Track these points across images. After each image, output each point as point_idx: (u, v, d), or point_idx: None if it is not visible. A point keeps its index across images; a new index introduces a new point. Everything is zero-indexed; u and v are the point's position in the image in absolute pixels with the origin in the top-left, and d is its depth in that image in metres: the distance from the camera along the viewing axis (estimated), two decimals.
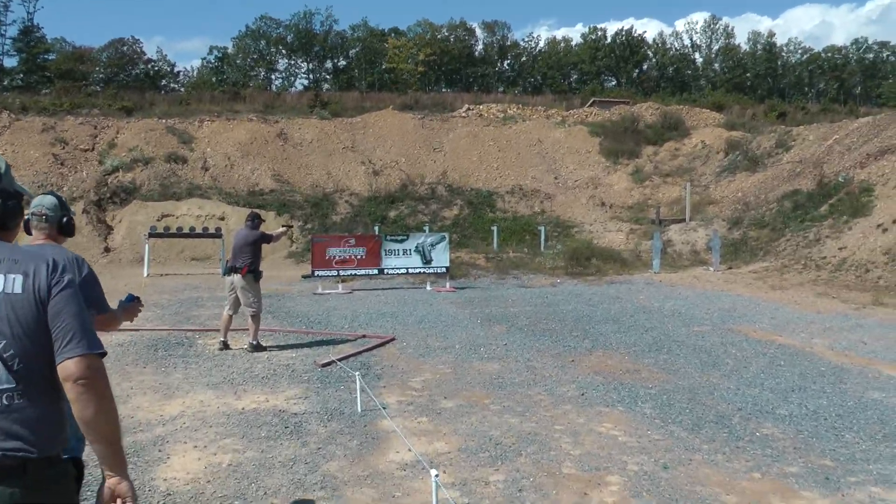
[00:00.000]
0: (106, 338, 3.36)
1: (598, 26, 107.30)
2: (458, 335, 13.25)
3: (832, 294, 18.97)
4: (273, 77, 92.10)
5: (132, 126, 36.76)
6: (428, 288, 20.61)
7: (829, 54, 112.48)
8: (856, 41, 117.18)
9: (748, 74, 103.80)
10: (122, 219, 29.83)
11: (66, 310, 2.65)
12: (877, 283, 19.90)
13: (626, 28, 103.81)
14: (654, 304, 17.53)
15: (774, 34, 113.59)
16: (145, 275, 23.69)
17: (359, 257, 20.51)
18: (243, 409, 8.31)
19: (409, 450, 6.80)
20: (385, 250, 20.86)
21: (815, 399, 8.91)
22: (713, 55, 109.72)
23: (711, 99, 63.93)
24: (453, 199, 34.72)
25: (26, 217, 4.23)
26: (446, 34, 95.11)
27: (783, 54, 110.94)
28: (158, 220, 28.31)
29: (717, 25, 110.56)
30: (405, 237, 21.65)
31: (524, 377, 9.96)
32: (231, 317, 11.95)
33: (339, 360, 10.62)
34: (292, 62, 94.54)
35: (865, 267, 21.22)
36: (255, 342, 11.66)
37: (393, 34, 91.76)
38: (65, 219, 4.48)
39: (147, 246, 25.13)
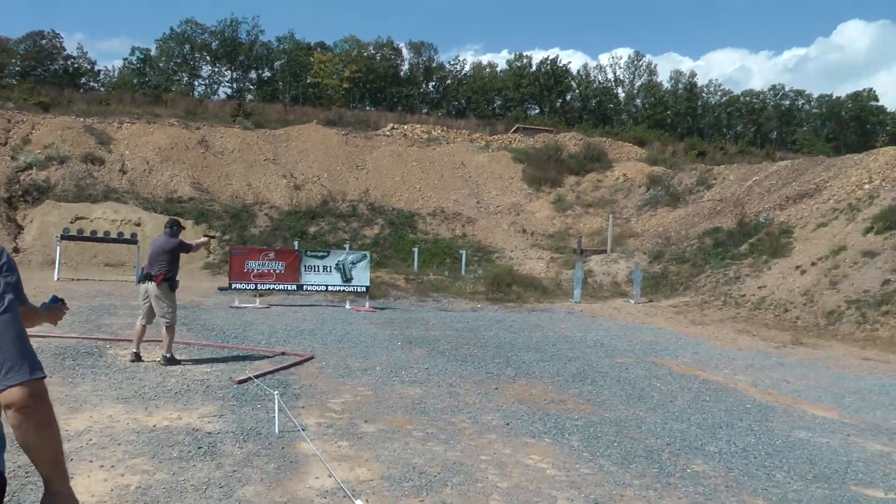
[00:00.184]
0: None
1: (524, 54, 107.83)
2: (378, 357, 12.92)
3: (752, 332, 19.16)
4: (196, 83, 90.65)
5: (48, 122, 35.51)
6: (347, 307, 20.22)
7: (748, 98, 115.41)
8: (773, 87, 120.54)
9: (669, 112, 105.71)
10: (33, 218, 28.66)
11: (4, 335, 2.55)
12: (795, 323, 20.16)
13: (551, 58, 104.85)
14: (577, 334, 17.44)
15: (696, 74, 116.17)
16: (56, 279, 22.76)
17: (278, 272, 20.02)
18: (154, 426, 7.83)
19: (330, 476, 6.47)
20: (305, 266, 20.40)
21: (744, 437, 8.85)
22: (635, 91, 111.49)
23: (633, 133, 64.76)
24: (375, 217, 34.34)
25: None
26: (373, 52, 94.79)
27: (703, 95, 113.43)
28: (72, 223, 27.30)
29: (641, 62, 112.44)
30: (326, 254, 21.21)
31: (447, 403, 9.68)
32: (144, 327, 11.40)
33: (256, 376, 10.21)
34: (216, 69, 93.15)
35: (784, 307, 21.48)
36: (168, 355, 11.13)
37: (319, 49, 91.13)
38: None
39: (59, 248, 24.16)
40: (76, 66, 77.90)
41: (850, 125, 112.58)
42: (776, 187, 31.38)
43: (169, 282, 11.21)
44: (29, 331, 2.73)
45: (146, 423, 7.94)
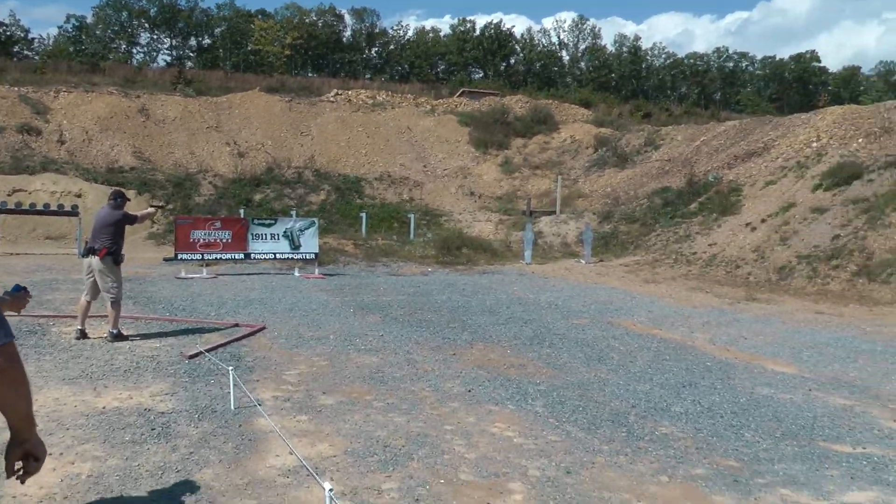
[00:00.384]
0: None
1: (468, 18, 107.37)
2: (331, 325, 12.63)
3: (705, 289, 19.20)
4: (134, 51, 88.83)
5: None
6: (296, 274, 19.86)
7: (692, 60, 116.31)
8: (717, 50, 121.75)
9: (613, 75, 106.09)
10: None
11: None
12: (747, 279, 20.26)
13: (494, 22, 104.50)
14: (530, 296, 17.28)
15: (640, 38, 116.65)
16: None
17: (224, 241, 19.55)
18: (104, 408, 7.39)
19: (291, 453, 6.19)
20: (252, 234, 19.95)
21: (708, 396, 8.76)
22: (580, 54, 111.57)
23: (579, 96, 64.73)
24: (320, 184, 33.83)
25: None
26: (314, 18, 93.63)
27: (647, 58, 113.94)
28: (9, 195, 26.40)
29: (585, 26, 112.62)
30: (273, 221, 20.78)
31: (406, 371, 9.44)
32: (89, 303, 10.90)
33: (208, 350, 9.85)
34: (155, 37, 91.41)
35: (735, 263, 21.57)
36: (115, 331, 10.65)
37: (260, 16, 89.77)
38: None
39: None
40: (9, 34, 75.73)
41: (793, 86, 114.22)
42: (724, 147, 31.49)
43: (113, 255, 10.72)
44: None
45: (95, 404, 7.51)
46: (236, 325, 12.25)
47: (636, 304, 16.47)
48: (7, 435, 3.23)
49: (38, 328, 11.51)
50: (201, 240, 19.26)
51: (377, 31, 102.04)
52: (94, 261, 10.65)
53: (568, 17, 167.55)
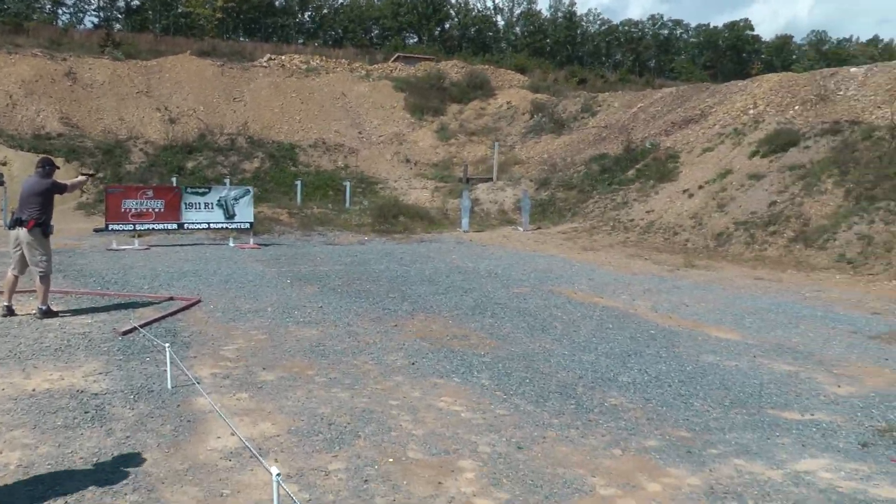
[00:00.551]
0: None
1: None
2: (268, 296, 12.34)
3: (643, 256, 19.28)
4: (59, 12, 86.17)
5: None
6: (231, 244, 19.42)
7: (627, 27, 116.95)
8: (651, 17, 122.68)
9: (548, 40, 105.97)
10: None
11: None
12: (685, 246, 20.38)
13: None
14: (469, 265, 17.14)
15: (575, 3, 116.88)
16: None
17: (157, 210, 19.01)
18: (34, 390, 7.01)
19: (233, 434, 5.95)
20: (185, 203, 19.42)
21: (654, 364, 8.75)
22: (514, 19, 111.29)
23: (515, 61, 64.48)
24: (254, 151, 33.13)
25: None
26: None
27: (582, 24, 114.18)
28: None
29: None
30: (207, 190, 20.25)
31: (347, 344, 9.23)
32: (16, 278, 10.39)
33: (142, 326, 9.51)
34: None
35: (673, 230, 21.68)
36: (44, 307, 10.17)
37: None
38: None
39: None
40: None
41: (727, 54, 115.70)
42: (661, 114, 31.56)
43: (42, 227, 10.19)
44: None
45: (24, 387, 7.11)
46: (171, 298, 11.88)
47: (576, 272, 16.42)
48: None
49: None
50: (133, 209, 18.71)
51: None
52: (22, 232, 10.14)
53: None
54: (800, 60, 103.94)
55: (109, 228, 18.61)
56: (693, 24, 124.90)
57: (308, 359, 8.46)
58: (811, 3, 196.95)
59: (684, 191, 23.71)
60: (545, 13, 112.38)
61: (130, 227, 18.73)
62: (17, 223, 10.21)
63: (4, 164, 26.29)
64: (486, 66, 51.47)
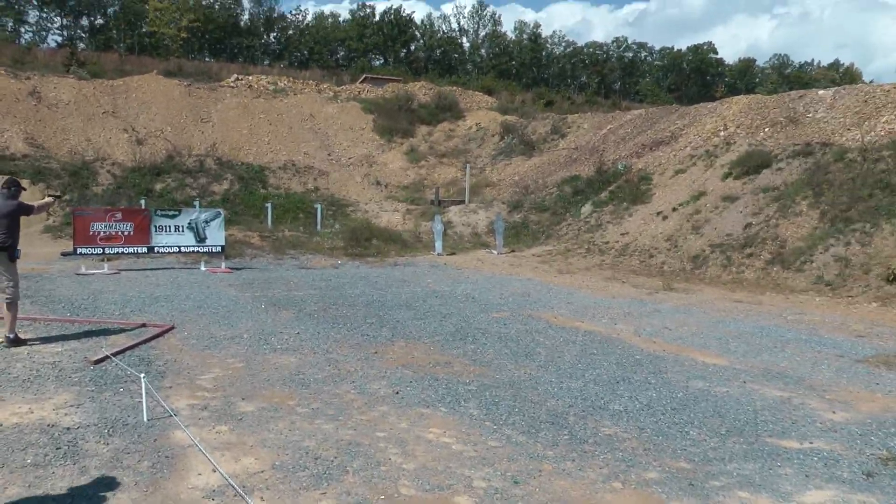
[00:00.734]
0: None
1: (367, 3, 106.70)
2: (243, 323, 12.01)
3: (621, 278, 19.13)
4: (23, 30, 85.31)
5: None
6: (202, 268, 19.06)
7: (591, 49, 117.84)
8: (616, 39, 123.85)
9: (514, 62, 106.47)
10: None
11: None
12: (661, 268, 20.27)
13: (394, 7, 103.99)
14: (445, 289, 16.91)
15: (540, 25, 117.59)
16: None
17: (126, 233, 18.61)
18: (1, 424, 6.62)
19: (215, 470, 5.64)
20: (155, 226, 19.05)
21: (644, 391, 8.52)
22: (480, 41, 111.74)
23: (481, 83, 64.55)
24: (223, 173, 32.77)
25: None
26: (211, 1, 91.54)
27: (548, 45, 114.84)
28: None
29: (485, 12, 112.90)
30: (177, 213, 19.86)
31: (327, 372, 8.92)
32: None
33: (114, 354, 9.15)
34: (44, 15, 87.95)
35: (649, 252, 21.58)
36: (12, 335, 9.71)
37: None
38: None
39: None
40: None
41: (691, 77, 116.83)
42: (631, 136, 31.60)
43: (8, 251, 9.78)
44: None
45: None
46: (143, 325, 11.51)
47: (554, 296, 16.23)
48: None
49: None
50: (102, 232, 18.31)
51: (275, 15, 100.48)
52: None
53: (468, 2, 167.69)
54: (763, 83, 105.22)
55: (78, 252, 18.20)
56: (657, 48, 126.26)
57: (288, 388, 8.16)
58: (771, 28, 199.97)
59: (658, 213, 23.65)
60: (510, 35, 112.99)
61: (99, 250, 18.33)
62: None
63: None
64: (454, 88, 51.50)
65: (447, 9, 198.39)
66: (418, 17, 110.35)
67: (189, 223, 19.42)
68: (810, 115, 24.99)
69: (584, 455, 6.38)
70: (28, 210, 10.21)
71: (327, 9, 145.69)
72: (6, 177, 12.96)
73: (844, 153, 21.37)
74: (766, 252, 19.16)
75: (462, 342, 11.05)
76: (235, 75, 47.14)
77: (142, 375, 7.08)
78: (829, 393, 8.70)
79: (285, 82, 46.89)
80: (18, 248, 10.04)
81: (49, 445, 6.13)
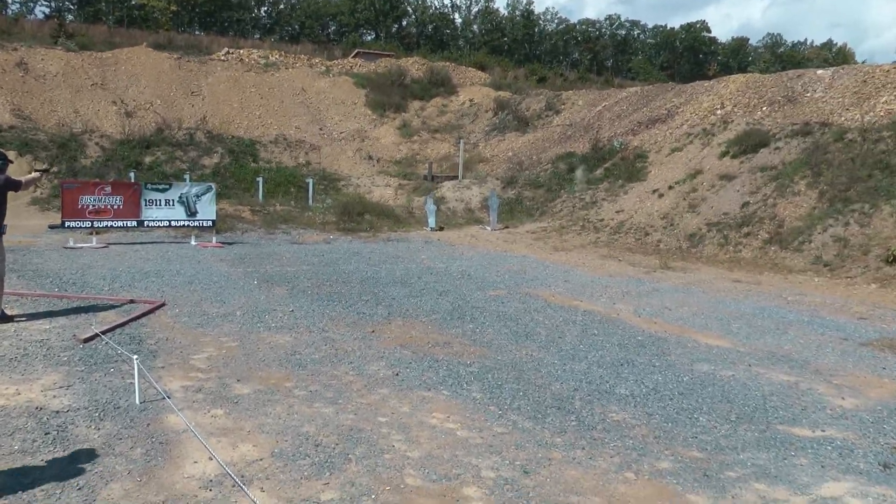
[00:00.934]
0: None
1: None
2: (236, 299, 11.74)
3: (617, 256, 18.94)
4: (9, 1, 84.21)
5: None
6: (193, 243, 18.74)
7: (584, 26, 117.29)
8: (609, 17, 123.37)
9: (506, 39, 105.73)
10: None
11: None
12: (657, 247, 20.08)
13: None
14: (440, 265, 16.67)
15: (533, 1, 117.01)
16: None
17: (115, 207, 18.28)
18: None
19: (211, 458, 5.40)
20: (145, 200, 18.71)
21: (649, 375, 8.34)
22: (472, 17, 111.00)
23: (474, 59, 64.01)
24: (213, 146, 32.30)
25: None
26: None
27: (540, 22, 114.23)
28: None
29: None
30: (168, 186, 19.51)
31: (324, 352, 8.69)
32: None
33: (104, 332, 8.88)
34: None
35: (645, 230, 21.37)
36: None
37: None
38: None
39: None
40: None
41: (684, 55, 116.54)
42: (626, 113, 31.31)
43: None
44: None
45: None
46: (132, 301, 11.23)
47: (550, 274, 16.00)
48: None
49: None
50: (90, 206, 17.98)
51: None
52: None
53: None
54: (756, 62, 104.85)
55: (66, 225, 17.87)
56: (650, 25, 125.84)
57: (284, 369, 7.92)
58: (764, 6, 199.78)
59: (654, 191, 23.41)
60: (503, 11, 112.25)
61: (88, 224, 18.00)
62: None
63: None
64: (447, 64, 50.95)
65: None
66: None
67: (180, 197, 19.09)
68: (808, 94, 24.75)
69: (594, 443, 6.18)
70: (16, 185, 9.83)
71: None
72: None
73: (844, 133, 21.15)
74: (763, 231, 18.97)
75: (460, 321, 10.83)
76: (226, 49, 46.57)
77: (134, 357, 6.81)
78: (836, 378, 8.52)
79: (276, 56, 46.32)
80: (5, 223, 9.69)
81: (37, 430, 5.88)
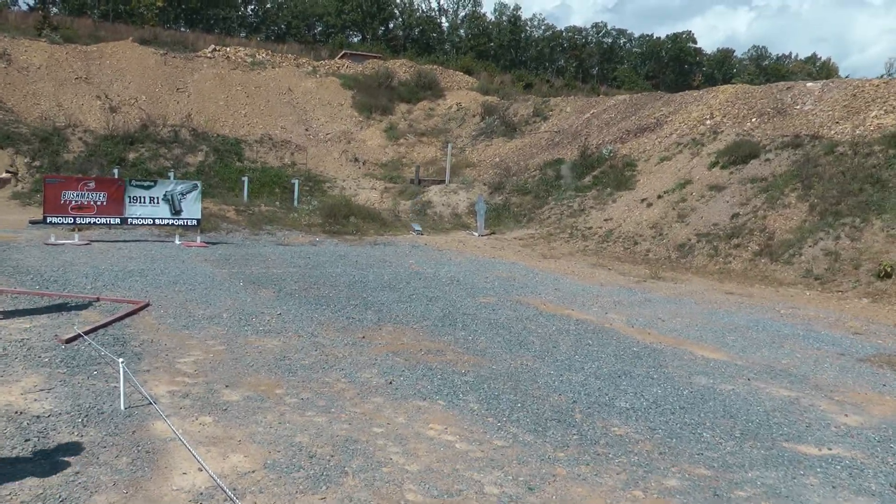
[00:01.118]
0: None
1: None
2: (222, 301, 11.46)
3: (606, 265, 18.76)
4: None
5: None
6: (177, 242, 18.38)
7: (571, 34, 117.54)
8: (595, 25, 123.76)
9: (492, 44, 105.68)
10: None
11: None
12: (646, 256, 19.94)
13: None
14: (428, 270, 16.41)
15: (520, 7, 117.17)
16: None
17: (99, 203, 17.90)
18: None
19: (201, 469, 5.14)
20: (129, 197, 18.33)
21: (648, 387, 8.18)
22: (459, 21, 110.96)
23: (461, 63, 63.87)
24: (198, 144, 31.93)
25: None
26: None
27: (527, 28, 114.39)
28: None
29: None
30: (152, 184, 19.13)
31: (314, 358, 8.44)
32: None
33: (87, 332, 8.59)
34: None
35: (633, 239, 21.20)
36: None
37: None
38: None
39: None
40: None
41: (669, 65, 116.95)
42: (615, 121, 31.15)
43: None
44: None
45: None
46: (115, 300, 10.92)
47: (540, 281, 15.80)
48: None
49: None
50: (73, 202, 17.59)
51: None
52: None
53: None
54: (741, 74, 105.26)
55: (47, 221, 17.49)
56: (636, 34, 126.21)
57: (274, 375, 7.67)
58: (750, 19, 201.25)
59: (643, 200, 23.25)
60: (490, 16, 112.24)
61: (70, 220, 17.63)
62: None
63: None
64: (434, 67, 50.77)
65: None
66: None
67: (164, 195, 18.75)
68: (798, 106, 24.66)
69: (598, 458, 5.97)
70: None
71: None
72: None
73: (834, 146, 21.04)
74: (753, 243, 18.83)
75: (452, 328, 10.60)
76: (213, 46, 46.20)
77: (120, 360, 6.51)
78: (837, 394, 8.38)
79: (263, 55, 45.97)
80: None
81: (17, 436, 5.59)
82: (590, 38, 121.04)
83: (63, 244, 16.65)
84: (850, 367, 9.75)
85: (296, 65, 45.27)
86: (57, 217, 17.47)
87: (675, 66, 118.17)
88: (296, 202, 27.31)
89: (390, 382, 7.68)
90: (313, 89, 40.71)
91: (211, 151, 31.49)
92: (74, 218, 17.63)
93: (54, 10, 77.39)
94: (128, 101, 33.50)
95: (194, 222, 19.12)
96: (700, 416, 7.22)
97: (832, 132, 22.08)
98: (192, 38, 56.47)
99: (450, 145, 33.45)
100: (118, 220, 18.32)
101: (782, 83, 28.15)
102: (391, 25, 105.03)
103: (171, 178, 23.66)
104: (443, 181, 30.78)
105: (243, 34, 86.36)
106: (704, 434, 6.73)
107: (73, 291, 11.38)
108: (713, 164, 23.13)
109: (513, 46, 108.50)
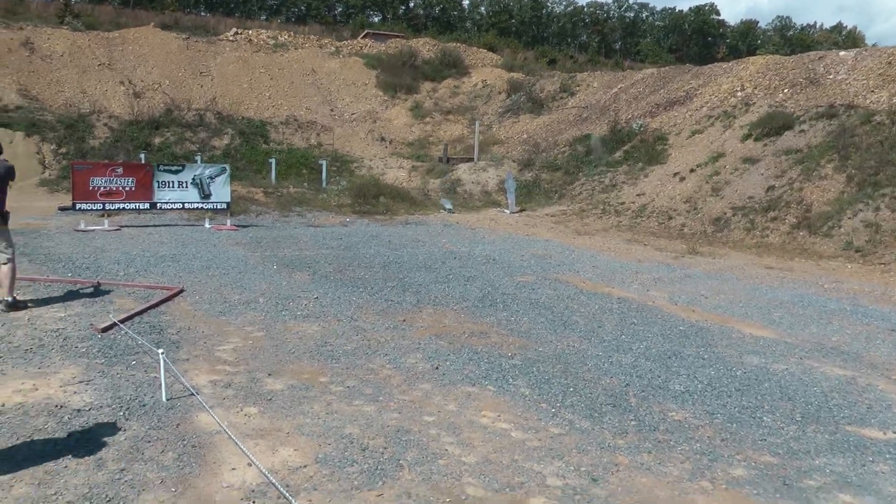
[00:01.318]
0: None
1: None
2: (256, 285, 11.26)
3: (642, 241, 18.48)
4: None
5: None
6: (207, 225, 18.24)
7: (592, 9, 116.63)
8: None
9: (514, 20, 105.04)
10: None
11: None
12: (682, 231, 19.62)
13: None
14: (463, 249, 16.17)
15: None
16: None
17: (128, 189, 17.75)
18: (3, 405, 5.83)
19: (251, 464, 4.93)
20: (158, 182, 18.18)
21: (701, 369, 7.89)
22: None
23: (483, 40, 63.36)
24: (224, 127, 31.81)
25: None
26: None
27: (548, 4, 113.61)
28: None
29: None
30: (181, 168, 18.96)
31: (356, 343, 8.22)
32: None
33: (122, 321, 8.40)
34: None
35: (668, 214, 20.88)
36: (10, 298, 8.82)
37: None
38: None
39: None
40: None
41: (693, 37, 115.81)
42: (643, 95, 30.71)
43: (5, 216, 8.80)
44: None
45: None
46: (149, 286, 10.74)
47: (577, 259, 15.52)
48: None
49: None
50: (102, 187, 17.45)
51: None
52: None
53: None
54: (765, 45, 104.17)
55: (77, 208, 17.36)
56: (658, 8, 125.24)
57: (317, 362, 7.45)
58: None
59: (675, 174, 22.89)
60: None
61: (99, 206, 17.48)
62: None
63: None
64: (458, 45, 50.33)
65: None
66: None
67: (193, 179, 18.58)
68: (831, 76, 24.18)
69: (660, 446, 5.72)
70: (13, 173, 9.08)
71: None
72: None
73: (871, 116, 20.59)
74: (790, 216, 18.46)
75: (493, 309, 10.36)
76: (234, 29, 45.95)
77: (160, 351, 6.28)
78: (894, 372, 8.04)
79: (286, 37, 45.71)
80: (7, 210, 8.90)
81: (59, 431, 5.39)
82: (611, 12, 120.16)
83: (93, 230, 16.53)
84: None
85: (318, 46, 44.98)
86: (86, 203, 17.33)
87: (699, 38, 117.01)
88: (324, 183, 27.13)
89: (437, 367, 7.46)
90: (337, 70, 40.45)
91: (237, 134, 31.35)
92: (104, 204, 17.49)
93: None
94: (151, 86, 33.36)
95: (224, 205, 18.95)
96: (758, 399, 6.95)
97: (868, 101, 21.61)
98: (213, 22, 56.32)
99: (477, 123, 33.16)
100: (147, 206, 18.18)
101: (813, 53, 27.62)
102: (412, 4, 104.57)
103: (199, 161, 23.50)
104: (471, 159, 30.49)
105: (264, 17, 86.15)
106: (765, 418, 6.46)
107: (106, 279, 11.20)
108: (746, 137, 22.72)
109: (534, 23, 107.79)
